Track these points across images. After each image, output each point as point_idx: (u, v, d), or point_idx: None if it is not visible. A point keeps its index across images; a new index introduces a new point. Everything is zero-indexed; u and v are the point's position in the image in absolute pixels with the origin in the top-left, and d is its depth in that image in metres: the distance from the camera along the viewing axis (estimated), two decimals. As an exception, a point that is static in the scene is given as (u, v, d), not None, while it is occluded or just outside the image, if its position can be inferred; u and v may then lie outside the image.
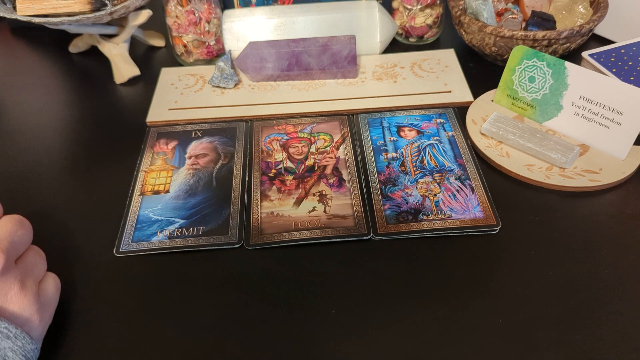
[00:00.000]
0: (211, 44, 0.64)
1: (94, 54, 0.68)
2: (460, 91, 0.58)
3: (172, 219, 0.46)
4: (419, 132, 0.53)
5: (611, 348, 0.36)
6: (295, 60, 0.59)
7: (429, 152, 0.51)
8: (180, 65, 0.65)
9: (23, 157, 0.54)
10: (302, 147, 0.53)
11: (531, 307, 0.38)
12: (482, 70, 0.62)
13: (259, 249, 0.43)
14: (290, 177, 0.49)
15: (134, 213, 0.47)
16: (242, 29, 0.63)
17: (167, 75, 0.63)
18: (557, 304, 0.38)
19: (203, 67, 0.64)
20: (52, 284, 0.38)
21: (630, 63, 0.55)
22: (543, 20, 0.59)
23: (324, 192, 0.48)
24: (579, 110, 0.50)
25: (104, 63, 0.66)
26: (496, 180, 0.48)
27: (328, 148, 0.52)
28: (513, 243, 0.43)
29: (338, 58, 0.59)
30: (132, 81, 0.64)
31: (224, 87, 0.60)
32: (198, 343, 0.37)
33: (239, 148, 0.53)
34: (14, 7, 0.62)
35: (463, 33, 0.62)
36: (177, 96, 0.60)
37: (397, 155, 0.51)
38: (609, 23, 0.63)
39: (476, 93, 0.57)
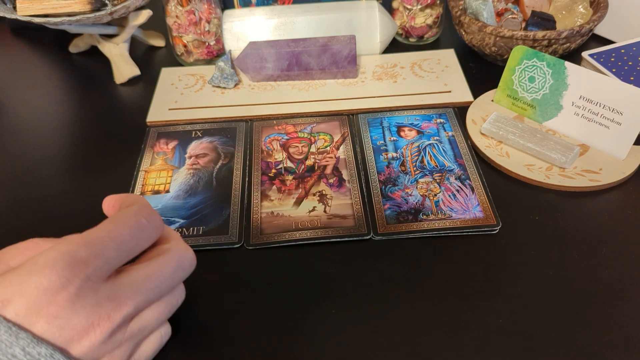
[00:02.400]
0: (211, 44, 0.64)
1: (94, 54, 0.68)
2: (460, 91, 0.58)
3: (172, 218, 0.46)
4: (419, 132, 0.53)
5: (611, 348, 0.36)
6: (295, 60, 0.59)
7: (429, 152, 0.51)
8: (180, 65, 0.65)
9: (23, 156, 0.54)
10: (302, 147, 0.53)
11: (531, 307, 0.38)
12: (482, 70, 0.62)
13: (259, 249, 0.43)
14: (290, 177, 0.49)
15: (134, 213, 0.47)
16: (242, 29, 0.63)
17: (167, 75, 0.63)
18: (557, 304, 0.38)
19: (203, 67, 0.64)
20: (152, 346, 0.33)
21: (630, 63, 0.55)
22: (543, 20, 0.59)
23: (324, 192, 0.48)
24: (579, 110, 0.50)
25: (104, 63, 0.66)
26: (496, 180, 0.48)
27: (328, 148, 0.52)
28: (513, 243, 0.43)
29: (338, 58, 0.59)
30: (132, 81, 0.64)
31: (224, 87, 0.60)
32: (197, 343, 0.37)
33: (239, 148, 0.53)
34: (14, 7, 0.62)
35: (463, 33, 0.62)
36: (177, 96, 0.60)
37: (397, 155, 0.51)
38: (609, 23, 0.63)
39: (476, 93, 0.57)
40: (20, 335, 0.26)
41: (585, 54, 0.56)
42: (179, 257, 0.33)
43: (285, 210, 0.46)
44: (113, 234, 0.30)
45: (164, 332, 0.34)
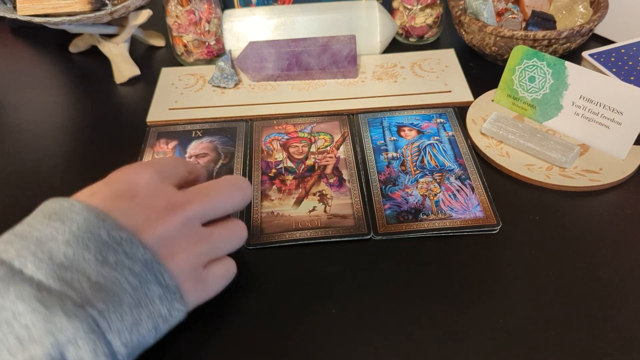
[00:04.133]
0: (211, 43, 0.64)
1: (94, 54, 0.68)
2: (460, 91, 0.58)
3: (172, 218, 0.46)
4: (419, 131, 0.53)
5: (611, 348, 0.36)
6: (295, 60, 0.59)
7: (429, 152, 0.51)
8: (180, 65, 0.65)
9: (23, 156, 0.54)
10: (302, 146, 0.53)
11: (531, 307, 0.38)
12: (482, 70, 0.62)
13: (259, 249, 0.43)
14: (290, 177, 0.49)
15: (134, 213, 0.47)
16: (242, 29, 0.63)
17: (167, 75, 0.63)
18: (557, 304, 0.38)
19: (203, 67, 0.64)
20: (220, 271, 0.36)
21: (630, 63, 0.55)
22: (543, 20, 0.59)
23: (324, 192, 0.48)
24: (579, 110, 0.50)
25: (104, 63, 0.66)
26: (496, 180, 0.48)
27: (328, 148, 0.52)
28: (513, 243, 0.43)
29: (338, 58, 0.59)
30: (132, 81, 0.64)
31: (224, 87, 0.60)
32: (196, 343, 0.37)
33: (239, 148, 0.53)
34: (14, 7, 0.62)
35: (463, 33, 0.62)
36: (177, 96, 0.60)
37: (397, 155, 0.51)
38: (609, 23, 0.63)
39: (476, 93, 0.57)
40: (107, 220, 0.31)
41: (585, 54, 0.56)
42: (230, 179, 0.38)
43: (285, 210, 0.46)
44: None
45: (231, 266, 0.37)
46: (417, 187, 0.47)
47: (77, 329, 0.27)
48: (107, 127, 0.57)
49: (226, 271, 0.36)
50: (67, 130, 0.57)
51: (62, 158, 0.54)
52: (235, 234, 0.37)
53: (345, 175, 0.49)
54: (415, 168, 0.49)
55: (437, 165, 0.49)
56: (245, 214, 0.46)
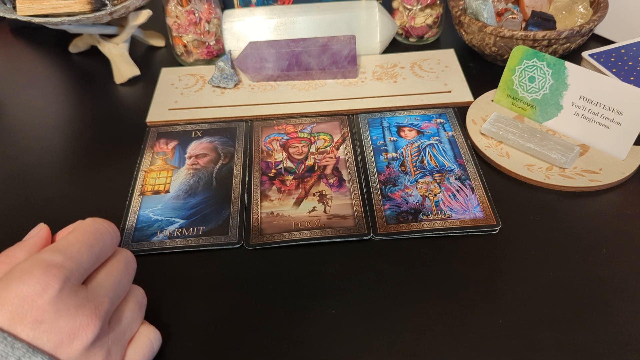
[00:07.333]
0: (211, 44, 0.64)
1: (94, 54, 0.68)
2: (460, 91, 0.58)
3: (172, 219, 0.46)
4: (419, 132, 0.53)
5: (611, 348, 0.36)
6: (295, 60, 0.59)
7: (429, 152, 0.51)
8: (180, 65, 0.65)
9: (23, 157, 0.54)
10: (302, 147, 0.53)
11: (531, 307, 0.38)
12: (482, 70, 0.62)
13: (259, 249, 0.43)
14: (290, 177, 0.49)
15: (134, 213, 0.47)
16: (242, 29, 0.63)
17: (167, 75, 0.63)
18: (557, 304, 0.38)
19: (203, 67, 0.64)
20: (142, 352, 0.33)
21: (630, 63, 0.55)
22: (543, 20, 0.59)
23: (324, 192, 0.48)
24: (579, 110, 0.50)
25: (104, 63, 0.66)
26: (496, 180, 0.48)
27: (328, 148, 0.52)
28: (513, 243, 0.43)
29: (338, 58, 0.59)
30: (132, 81, 0.64)
31: (224, 87, 0.60)
32: (197, 343, 0.37)
33: (239, 148, 0.53)
34: (14, 7, 0.62)
35: (463, 33, 0.62)
36: (177, 96, 0.60)
37: (397, 155, 0.51)
38: (609, 23, 0.63)
39: (476, 93, 0.57)
40: (16, 346, 0.26)
41: (585, 54, 0.56)
42: (123, 255, 0.34)
43: (285, 211, 0.46)
44: (81, 239, 0.31)
45: (154, 339, 0.34)
46: (416, 188, 0.47)
47: None
48: (107, 127, 0.57)
49: (149, 349, 0.34)
50: (67, 131, 0.57)
51: (62, 158, 0.54)
52: (136, 304, 0.34)
53: (345, 176, 0.49)
54: (415, 168, 0.49)
55: (437, 166, 0.49)
56: (245, 214, 0.46)
